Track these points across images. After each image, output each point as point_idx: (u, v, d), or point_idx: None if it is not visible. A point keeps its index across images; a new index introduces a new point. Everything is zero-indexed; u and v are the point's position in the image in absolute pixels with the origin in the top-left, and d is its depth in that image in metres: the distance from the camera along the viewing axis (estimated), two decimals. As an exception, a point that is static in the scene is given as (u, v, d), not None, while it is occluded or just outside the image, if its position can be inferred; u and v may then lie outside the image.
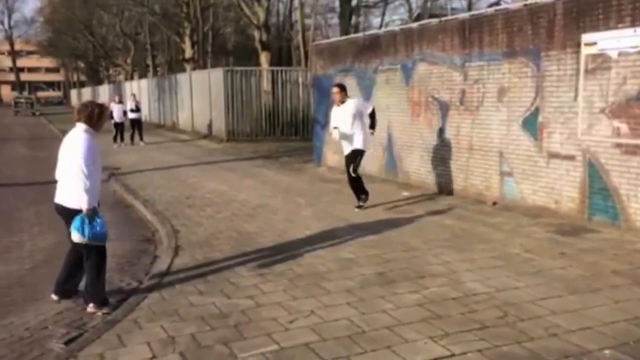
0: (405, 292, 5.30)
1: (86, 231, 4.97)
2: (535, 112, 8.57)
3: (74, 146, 4.96)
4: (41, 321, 4.95)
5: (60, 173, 5.14)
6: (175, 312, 4.92)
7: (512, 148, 9.01)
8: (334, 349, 4.15)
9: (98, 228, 5.04)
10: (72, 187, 4.99)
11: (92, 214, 5.02)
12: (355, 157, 8.89)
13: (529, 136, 8.71)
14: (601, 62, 7.58)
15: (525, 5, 8.71)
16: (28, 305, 5.37)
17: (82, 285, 5.32)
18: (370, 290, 5.39)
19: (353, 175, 8.89)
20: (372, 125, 9.01)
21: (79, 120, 5.13)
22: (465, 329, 4.45)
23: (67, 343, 4.46)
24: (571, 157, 8.07)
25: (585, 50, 7.77)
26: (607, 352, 4.04)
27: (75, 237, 4.99)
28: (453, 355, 4.04)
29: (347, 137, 8.82)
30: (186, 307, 5.05)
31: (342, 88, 9.03)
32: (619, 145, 7.45)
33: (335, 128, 8.84)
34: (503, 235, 7.31)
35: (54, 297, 5.33)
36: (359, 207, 8.99)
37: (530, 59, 8.59)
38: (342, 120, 8.75)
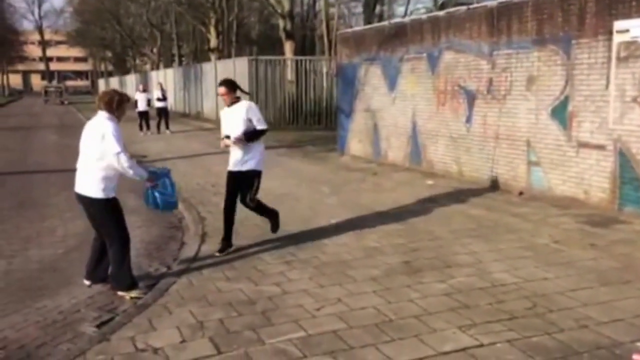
0: (432, 282, 5.27)
1: (160, 203, 5.38)
2: (565, 101, 8.42)
3: (102, 134, 4.98)
4: (74, 305, 5.04)
5: (81, 161, 5.16)
6: (204, 298, 4.96)
7: (540, 137, 8.87)
8: (362, 337, 4.14)
9: (168, 197, 5.42)
10: (93, 177, 5.03)
11: (155, 178, 5.36)
12: (251, 182, 6.47)
13: (558, 125, 8.57)
14: (634, 50, 7.41)
15: (555, -9, 8.54)
16: (61, 289, 5.46)
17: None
18: (396, 279, 5.37)
19: (252, 204, 6.56)
20: (250, 138, 6.36)
21: (99, 107, 5.16)
22: (493, 320, 4.41)
23: (99, 326, 4.55)
24: (602, 147, 7.92)
25: (617, 38, 7.60)
26: (639, 344, 3.97)
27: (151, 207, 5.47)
28: (482, 345, 4.00)
29: (237, 150, 6.46)
30: (214, 293, 5.09)
31: (230, 86, 6.49)
32: (651, 135, 7.29)
33: (227, 137, 6.46)
34: (531, 226, 7.22)
35: (86, 282, 5.42)
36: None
37: (561, 47, 8.43)
38: (233, 126, 6.39)
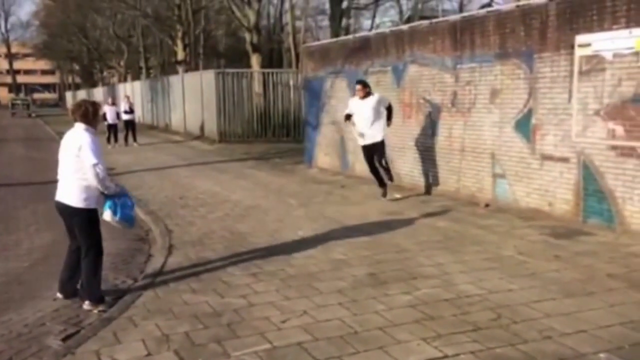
0: (397, 293, 5.27)
1: (118, 212, 5.21)
2: (528, 114, 8.57)
3: (78, 146, 4.96)
4: (39, 318, 4.96)
5: (61, 173, 5.15)
6: (170, 311, 4.90)
7: (505, 150, 9.01)
8: (327, 349, 4.12)
9: (128, 210, 5.29)
10: (74, 187, 5.02)
11: (121, 194, 5.29)
12: (381, 148, 9.79)
13: (521, 138, 8.71)
14: (595, 64, 7.60)
15: (517, 6, 8.72)
16: (26, 302, 5.38)
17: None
18: (362, 291, 5.36)
19: (384, 165, 9.86)
20: (389, 117, 9.84)
21: (75, 120, 5.14)
22: (458, 331, 4.42)
23: (64, 340, 4.49)
24: (565, 159, 8.07)
25: (579, 52, 7.78)
26: (602, 355, 4.01)
27: (107, 216, 5.20)
28: (446, 356, 4.01)
29: (368, 130, 9.78)
30: (180, 305, 5.04)
31: (365, 84, 9.88)
32: (614, 148, 7.45)
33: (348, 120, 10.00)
34: (496, 237, 7.29)
35: (59, 295, 5.34)
36: (385, 195, 9.98)
37: (523, 61, 8.59)
38: (365, 112, 9.69)
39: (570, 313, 4.77)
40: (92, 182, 4.98)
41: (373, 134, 9.69)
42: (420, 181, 10.85)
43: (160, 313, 4.85)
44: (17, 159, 17.77)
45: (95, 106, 5.28)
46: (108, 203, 5.24)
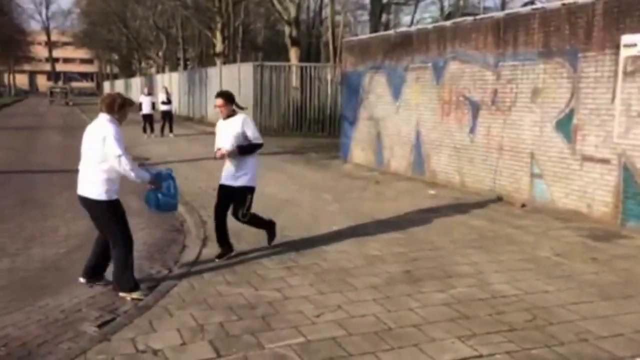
0: (432, 291, 5.25)
1: (157, 202, 5.42)
2: (570, 114, 8.42)
3: (102, 137, 4.97)
4: (75, 304, 5.06)
5: (82, 164, 5.16)
6: (204, 301, 4.96)
7: (544, 150, 8.87)
8: (361, 345, 4.14)
9: (170, 198, 5.48)
10: (95, 179, 5.03)
11: (157, 180, 5.37)
12: (243, 198, 6.34)
13: (562, 138, 8.56)
14: (640, 65, 7.42)
15: (563, 4, 8.56)
16: (63, 288, 5.47)
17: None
18: (396, 287, 5.36)
19: (244, 219, 6.43)
20: (245, 152, 6.30)
21: (101, 109, 5.17)
22: (493, 331, 4.39)
23: (100, 326, 4.57)
24: (606, 161, 7.92)
25: (624, 52, 7.61)
26: (639, 359, 3.95)
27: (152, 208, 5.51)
28: (481, 356, 3.99)
29: (230, 164, 6.34)
30: (215, 296, 5.09)
31: (227, 98, 6.33)
32: (655, 150, 7.28)
33: (219, 149, 6.34)
34: (532, 238, 7.20)
35: (82, 280, 5.42)
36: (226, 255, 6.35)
37: (567, 60, 8.44)
38: (228, 139, 6.24)
39: (608, 316, 4.70)
40: (116, 172, 5.01)
41: (233, 172, 6.31)
42: (455, 178, 10.77)
43: (195, 303, 4.91)
44: (54, 147, 18.16)
45: (125, 100, 5.28)
46: (150, 199, 5.42)
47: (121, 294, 5.16)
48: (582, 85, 8.22)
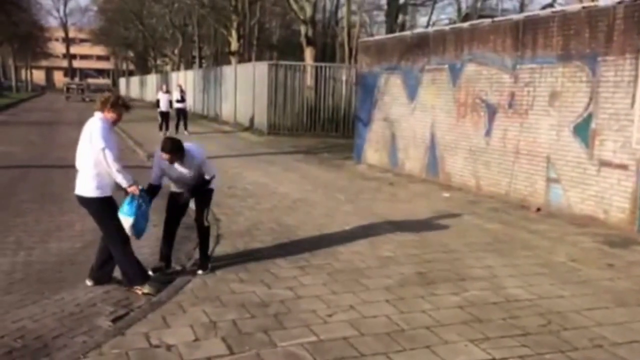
0: (445, 294, 5.23)
1: (133, 217, 5.17)
2: (588, 118, 8.34)
3: (89, 132, 5.00)
4: (90, 298, 5.10)
5: (77, 163, 5.16)
6: (217, 298, 4.97)
7: (561, 154, 8.79)
8: (373, 345, 4.12)
9: (143, 223, 5.27)
10: (87, 176, 5.04)
11: (138, 190, 5.20)
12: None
13: (580, 143, 8.48)
14: (660, 70, 7.34)
15: (583, 7, 8.49)
16: (78, 283, 5.50)
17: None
18: (409, 289, 5.34)
19: (207, 224, 6.04)
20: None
21: (96, 108, 5.19)
22: (506, 335, 4.36)
23: (114, 321, 4.61)
24: (624, 166, 7.83)
25: (644, 57, 7.53)
26: (655, 367, 3.91)
27: (124, 221, 5.17)
28: (494, 359, 3.96)
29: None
30: (228, 294, 5.10)
31: (174, 150, 5.61)
32: (674, 157, 7.20)
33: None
34: (548, 243, 7.14)
35: (88, 282, 5.41)
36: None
37: (586, 63, 8.36)
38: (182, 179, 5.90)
39: (623, 323, 4.66)
40: (103, 168, 4.97)
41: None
42: (470, 181, 10.71)
43: (209, 300, 4.92)
44: (71, 142, 18.15)
45: (118, 99, 5.24)
46: (126, 204, 5.19)
47: (133, 289, 5.19)
48: (601, 90, 8.14)
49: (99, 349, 3.98)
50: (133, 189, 5.18)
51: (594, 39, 8.24)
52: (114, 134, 5.24)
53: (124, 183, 5.09)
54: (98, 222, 5.23)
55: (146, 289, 5.16)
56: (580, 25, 8.46)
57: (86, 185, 5.06)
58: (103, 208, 5.12)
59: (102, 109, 5.14)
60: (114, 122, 5.21)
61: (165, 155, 5.59)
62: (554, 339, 4.31)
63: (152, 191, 5.64)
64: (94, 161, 4.99)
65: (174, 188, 6.01)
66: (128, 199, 5.21)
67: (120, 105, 5.23)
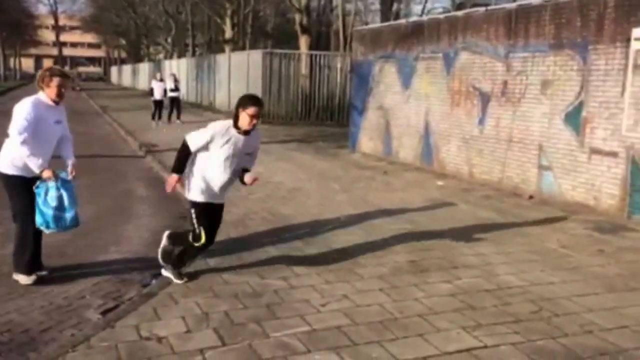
0: (438, 282, 5.27)
1: (49, 218, 4.88)
2: (579, 107, 8.39)
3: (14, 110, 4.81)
4: (79, 291, 5.06)
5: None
6: (210, 289, 4.98)
7: (553, 142, 8.85)
8: (366, 334, 4.16)
9: (62, 205, 4.90)
10: (3, 151, 4.92)
11: (53, 175, 4.86)
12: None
13: (571, 131, 8.54)
14: (651, 58, 7.37)
15: (575, -4, 8.50)
16: (66, 275, 5.44)
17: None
18: (402, 277, 5.38)
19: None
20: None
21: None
22: (498, 322, 4.41)
23: (104, 313, 4.56)
24: (614, 154, 7.89)
25: (635, 45, 7.56)
26: (643, 352, 3.97)
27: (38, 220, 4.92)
28: (486, 346, 4.01)
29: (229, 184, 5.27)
30: (220, 284, 5.11)
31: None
32: (665, 144, 7.26)
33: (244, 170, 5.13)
34: (539, 230, 7.20)
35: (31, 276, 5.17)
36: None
37: (577, 52, 8.39)
38: (246, 158, 5.16)
39: (613, 308, 4.72)
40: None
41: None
42: (463, 169, 10.76)
43: (201, 291, 4.91)
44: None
45: (48, 72, 4.93)
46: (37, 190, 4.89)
47: (14, 276, 5.07)
48: (592, 78, 8.18)
49: (87, 342, 3.94)
50: (47, 174, 4.84)
51: (585, 28, 8.26)
52: (54, 113, 4.97)
53: (34, 169, 4.81)
54: (8, 198, 5.04)
55: (22, 279, 5.03)
56: (571, 14, 8.48)
57: (2, 160, 4.94)
58: (9, 185, 4.96)
59: (39, 88, 4.92)
60: (56, 99, 4.93)
61: (254, 110, 4.77)
62: (545, 325, 4.36)
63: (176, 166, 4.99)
64: (10, 138, 4.82)
65: (206, 189, 5.05)
66: (41, 185, 4.88)
67: (50, 77, 4.88)
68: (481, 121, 10.29)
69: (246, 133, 4.90)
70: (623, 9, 7.71)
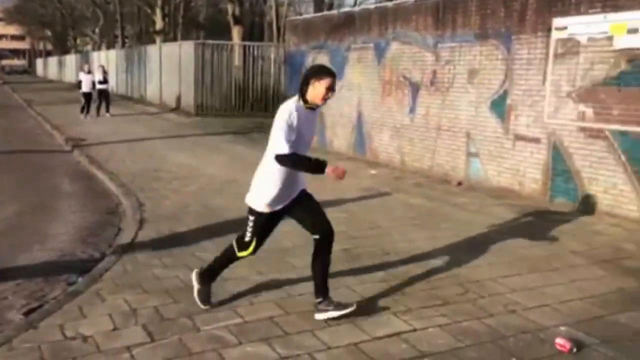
0: (370, 269, 5.34)
1: None
2: (504, 95, 8.66)
3: None
4: (1, 292, 4.86)
5: None
6: (139, 285, 4.86)
7: (480, 129, 9.10)
8: (298, 323, 4.17)
9: None
10: None
11: None
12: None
13: (496, 118, 8.81)
14: (570, 47, 7.68)
15: (498, -13, 8.74)
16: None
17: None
18: (335, 266, 5.36)
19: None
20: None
21: None
22: (427, 305, 4.51)
23: (26, 314, 4.40)
24: (536, 140, 8.20)
25: (555, 35, 7.86)
26: (562, 328, 4.15)
27: None
28: (415, 330, 4.10)
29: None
30: (150, 280, 5.00)
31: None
32: (583, 129, 7.60)
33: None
34: (467, 215, 7.41)
35: None
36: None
37: (502, 42, 8.65)
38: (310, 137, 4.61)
39: (535, 288, 4.92)
40: None
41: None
42: (395, 158, 10.93)
43: (129, 287, 4.79)
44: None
45: None
46: None
47: None
48: (516, 67, 8.46)
49: (8, 344, 3.79)
50: None
51: (509, 18, 8.52)
52: None
53: None
54: None
55: None
56: (496, 4, 8.73)
57: None
58: None
59: None
60: None
61: (330, 81, 4.10)
62: (471, 307, 4.50)
63: (318, 164, 4.33)
64: None
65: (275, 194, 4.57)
66: None
67: None
68: (412, 110, 10.47)
69: (313, 108, 4.30)
70: (544, 0, 7.99)
